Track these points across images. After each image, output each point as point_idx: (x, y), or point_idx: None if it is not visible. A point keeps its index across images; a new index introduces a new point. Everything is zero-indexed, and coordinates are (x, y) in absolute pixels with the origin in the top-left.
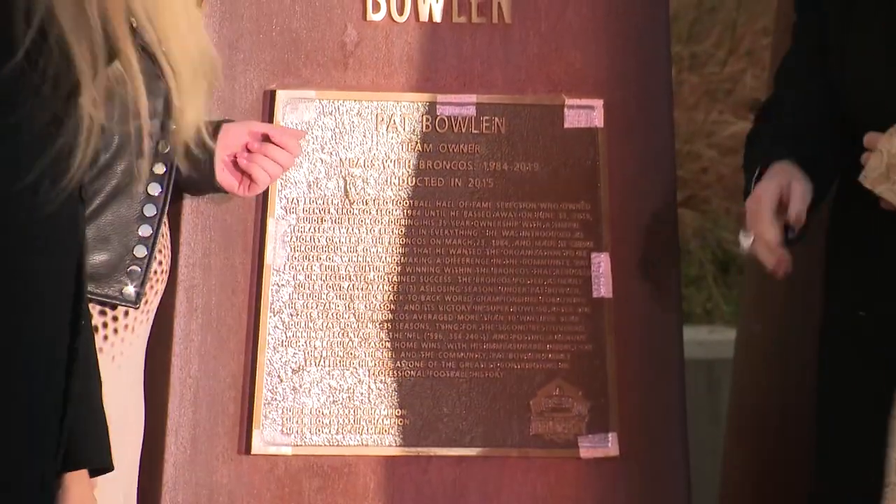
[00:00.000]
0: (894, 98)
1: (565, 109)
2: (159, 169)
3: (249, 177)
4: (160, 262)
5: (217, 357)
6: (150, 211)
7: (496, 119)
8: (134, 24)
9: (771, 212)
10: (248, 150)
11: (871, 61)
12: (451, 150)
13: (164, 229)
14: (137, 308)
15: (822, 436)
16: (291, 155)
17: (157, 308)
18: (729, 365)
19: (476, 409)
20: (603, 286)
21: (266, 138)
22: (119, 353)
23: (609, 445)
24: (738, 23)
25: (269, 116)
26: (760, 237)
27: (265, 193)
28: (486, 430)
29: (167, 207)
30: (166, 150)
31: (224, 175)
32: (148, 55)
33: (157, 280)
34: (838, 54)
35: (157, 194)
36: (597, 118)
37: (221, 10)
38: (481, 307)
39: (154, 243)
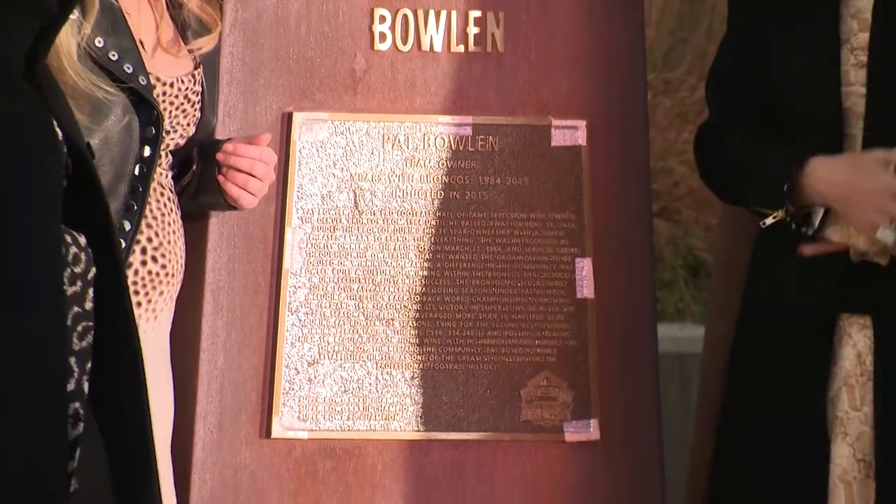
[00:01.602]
0: (815, 100)
1: (552, 130)
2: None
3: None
4: (163, 266)
5: (241, 351)
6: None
7: (490, 138)
8: None
9: None
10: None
11: (796, 56)
12: (449, 166)
13: (166, 238)
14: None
15: (723, 428)
16: (259, 159)
17: (187, 307)
18: (698, 359)
19: (472, 397)
20: (586, 288)
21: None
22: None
23: (591, 430)
24: (707, 52)
25: (286, 136)
26: None
27: (283, 205)
28: (481, 416)
29: (142, 217)
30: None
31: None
32: None
33: (160, 282)
34: (768, 55)
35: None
36: (580, 137)
37: (244, 40)
38: (477, 307)
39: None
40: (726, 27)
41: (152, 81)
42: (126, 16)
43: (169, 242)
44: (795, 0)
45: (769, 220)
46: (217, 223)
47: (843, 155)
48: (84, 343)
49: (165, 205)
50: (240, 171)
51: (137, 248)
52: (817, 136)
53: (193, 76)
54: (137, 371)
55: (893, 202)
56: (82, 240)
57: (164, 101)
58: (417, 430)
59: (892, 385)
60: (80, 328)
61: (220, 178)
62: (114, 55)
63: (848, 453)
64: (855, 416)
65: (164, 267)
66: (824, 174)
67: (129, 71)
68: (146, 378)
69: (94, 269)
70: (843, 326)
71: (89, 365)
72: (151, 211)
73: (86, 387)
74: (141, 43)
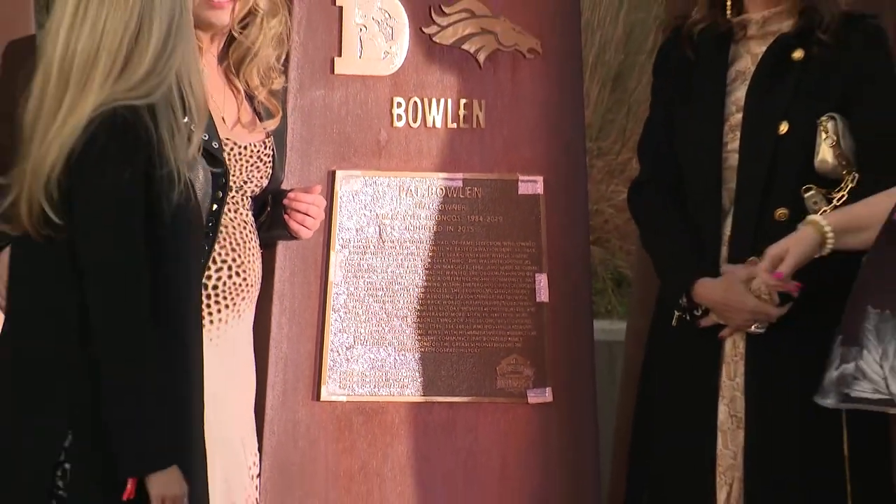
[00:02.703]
0: (704, 163)
1: (519, 183)
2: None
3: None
4: (244, 279)
5: (298, 339)
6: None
7: (475, 188)
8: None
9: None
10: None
11: (693, 129)
12: (446, 209)
13: (246, 258)
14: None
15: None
16: (313, 204)
17: (262, 308)
18: (622, 345)
19: (462, 372)
20: (542, 294)
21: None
22: (216, 336)
23: (546, 395)
24: (626, 128)
25: (331, 187)
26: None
27: (329, 235)
28: (468, 385)
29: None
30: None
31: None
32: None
33: (242, 291)
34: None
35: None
36: (539, 188)
37: (301, 119)
38: (465, 307)
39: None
40: (649, 108)
41: (229, 145)
42: (210, 98)
43: (248, 262)
44: (693, 90)
45: (674, 322)
46: (283, 248)
47: (719, 279)
48: None
49: (247, 235)
50: (299, 212)
51: (224, 266)
52: (706, 188)
53: (265, 143)
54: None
55: (756, 316)
56: None
57: (239, 159)
58: (423, 395)
59: (754, 362)
60: None
61: (286, 216)
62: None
63: (724, 411)
64: (730, 385)
65: (244, 280)
66: (705, 293)
67: (206, 138)
68: (233, 360)
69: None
70: None
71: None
72: (236, 238)
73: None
74: (223, 119)
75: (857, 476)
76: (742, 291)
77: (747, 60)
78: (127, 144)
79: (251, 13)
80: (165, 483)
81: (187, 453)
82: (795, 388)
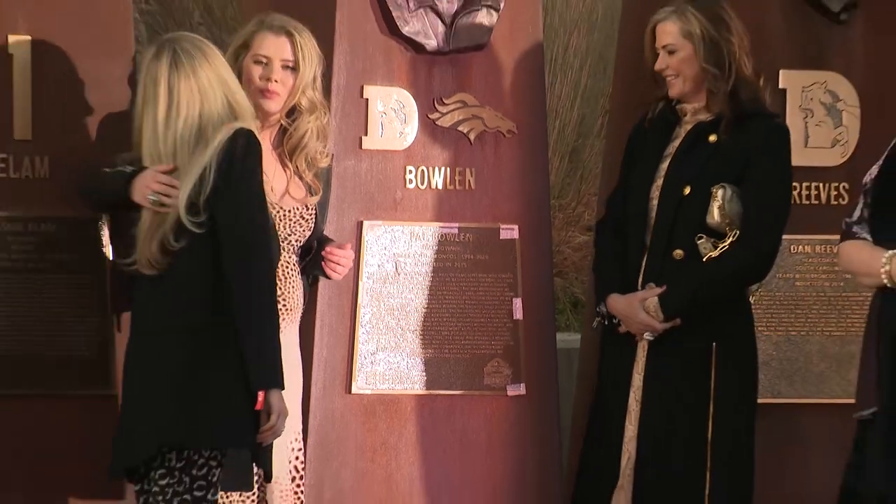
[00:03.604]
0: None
1: (500, 230)
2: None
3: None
4: (284, 305)
5: (335, 347)
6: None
7: (468, 234)
8: None
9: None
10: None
11: (634, 187)
12: (445, 249)
13: (287, 289)
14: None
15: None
16: (343, 257)
17: (307, 324)
18: (577, 352)
19: (458, 371)
20: (518, 314)
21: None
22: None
23: (521, 389)
24: (581, 189)
25: (360, 234)
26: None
27: (357, 269)
28: (462, 381)
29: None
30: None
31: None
32: None
33: (284, 314)
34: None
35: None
36: (515, 234)
37: (338, 182)
38: (460, 323)
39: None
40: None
41: (276, 209)
42: (263, 173)
43: (289, 293)
44: (642, 158)
45: (595, 324)
46: (323, 282)
47: (624, 295)
48: None
49: (290, 273)
50: (333, 262)
51: None
52: (636, 231)
53: (307, 206)
54: None
55: (646, 328)
56: None
57: (283, 219)
58: (428, 389)
59: (650, 362)
60: None
61: (322, 264)
62: None
63: (633, 396)
64: (638, 377)
65: (284, 306)
66: (613, 305)
67: None
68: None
69: None
70: None
71: None
72: (279, 276)
73: None
74: (272, 188)
75: (718, 428)
76: (637, 307)
77: (679, 139)
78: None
79: (297, 110)
80: (279, 399)
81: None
82: (678, 382)
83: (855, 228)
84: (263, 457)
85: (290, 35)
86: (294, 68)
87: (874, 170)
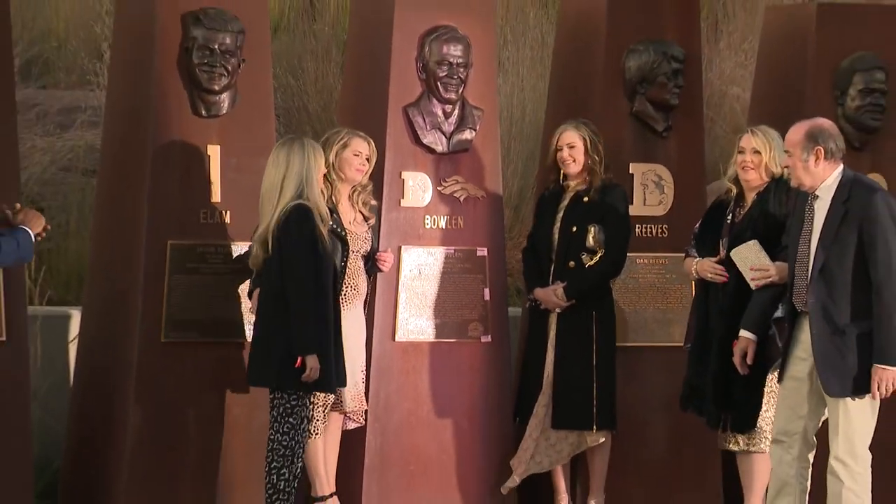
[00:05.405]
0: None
1: (477, 251)
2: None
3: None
4: (351, 289)
5: (386, 315)
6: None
7: (459, 253)
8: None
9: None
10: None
11: (542, 227)
12: (447, 262)
13: (352, 281)
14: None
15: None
16: (387, 259)
17: (371, 301)
18: (519, 319)
19: (453, 329)
20: (487, 297)
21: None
22: (345, 311)
23: (489, 339)
24: (520, 232)
25: (399, 254)
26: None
27: (397, 272)
28: (456, 334)
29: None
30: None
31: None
32: None
33: (350, 297)
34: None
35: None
36: (486, 253)
37: (386, 226)
38: (455, 302)
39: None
40: (533, 219)
41: (350, 233)
42: (342, 213)
43: (357, 283)
44: (546, 210)
45: (527, 304)
46: (380, 277)
47: (544, 288)
48: None
49: (357, 272)
50: (382, 260)
51: (346, 286)
52: (548, 252)
53: (367, 233)
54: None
55: (556, 305)
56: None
57: (352, 240)
58: (437, 339)
59: (560, 324)
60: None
61: (377, 263)
62: (336, 227)
63: (550, 349)
64: (552, 335)
65: (355, 290)
66: (539, 294)
67: (338, 229)
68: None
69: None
70: None
71: None
72: (350, 274)
73: None
74: (348, 221)
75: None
76: (551, 294)
77: (567, 200)
78: (304, 218)
79: (360, 181)
80: (313, 360)
81: (326, 352)
82: (575, 334)
83: (690, 251)
84: (320, 384)
85: (368, 142)
86: (368, 159)
87: (697, 224)
